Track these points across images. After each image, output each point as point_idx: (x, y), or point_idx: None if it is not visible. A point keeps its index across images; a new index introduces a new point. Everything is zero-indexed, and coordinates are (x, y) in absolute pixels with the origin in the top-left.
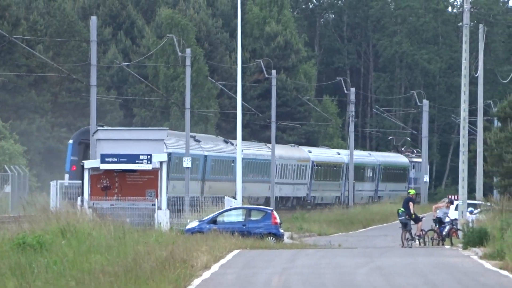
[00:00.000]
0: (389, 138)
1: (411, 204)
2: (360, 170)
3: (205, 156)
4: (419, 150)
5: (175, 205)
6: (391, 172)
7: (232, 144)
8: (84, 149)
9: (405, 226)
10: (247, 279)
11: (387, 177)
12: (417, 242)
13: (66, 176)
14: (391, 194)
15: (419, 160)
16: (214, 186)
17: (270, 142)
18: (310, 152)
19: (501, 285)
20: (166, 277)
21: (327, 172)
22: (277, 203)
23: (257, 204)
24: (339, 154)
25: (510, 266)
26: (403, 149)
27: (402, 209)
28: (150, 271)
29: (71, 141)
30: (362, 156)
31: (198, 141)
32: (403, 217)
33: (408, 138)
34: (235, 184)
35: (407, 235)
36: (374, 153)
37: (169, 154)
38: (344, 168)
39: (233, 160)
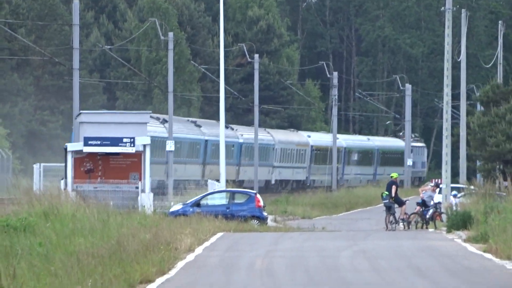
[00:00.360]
0: (387, 123)
1: (394, 187)
2: (359, 154)
3: (206, 141)
4: (417, 135)
5: (160, 188)
6: (389, 156)
7: (232, 129)
8: None
9: (389, 209)
10: (230, 261)
11: (386, 161)
12: (401, 225)
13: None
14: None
15: (418, 144)
16: (215, 169)
17: (260, 127)
18: (309, 136)
19: (485, 268)
20: (150, 259)
21: (326, 156)
22: (277, 186)
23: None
24: (369, 139)
25: (494, 249)
26: (401, 134)
27: (386, 192)
28: (134, 253)
29: (73, 132)
30: (361, 140)
31: (199, 126)
32: (387, 200)
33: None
34: (235, 167)
35: (391, 218)
36: (372, 137)
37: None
38: (342, 152)
39: (233, 145)
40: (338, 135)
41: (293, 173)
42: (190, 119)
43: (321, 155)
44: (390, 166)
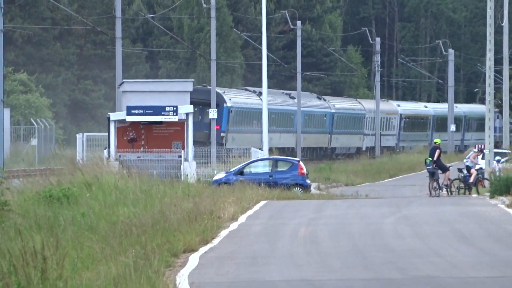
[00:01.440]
0: (475, 90)
1: (437, 152)
2: (444, 122)
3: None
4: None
5: (203, 157)
6: (476, 122)
7: (325, 100)
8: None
9: (432, 175)
10: (274, 229)
11: (472, 126)
12: (444, 191)
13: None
14: (477, 143)
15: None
16: (308, 138)
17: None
18: (398, 105)
19: None
20: (193, 228)
21: (415, 124)
22: (368, 152)
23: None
24: (426, 107)
25: None
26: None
27: (430, 158)
28: (177, 223)
29: None
30: (444, 108)
31: (293, 97)
32: (430, 167)
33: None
34: (327, 135)
35: (435, 184)
36: (459, 105)
37: (230, 107)
38: (430, 120)
39: (326, 114)
40: (427, 104)
41: (383, 140)
42: (285, 91)
43: (410, 123)
44: (478, 131)
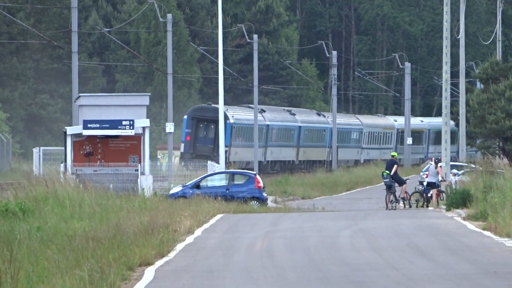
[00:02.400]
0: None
1: (395, 166)
2: (416, 135)
3: (299, 127)
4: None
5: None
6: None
7: (324, 116)
8: (196, 123)
9: (389, 188)
10: (230, 243)
11: (437, 140)
12: (401, 204)
13: (182, 145)
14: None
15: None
16: (308, 151)
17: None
18: (395, 121)
19: (484, 245)
20: (149, 242)
21: (414, 137)
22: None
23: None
24: (422, 121)
25: (493, 227)
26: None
27: (387, 172)
28: (134, 236)
29: (185, 117)
30: (439, 122)
31: (294, 114)
32: (387, 179)
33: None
34: (327, 149)
35: (391, 197)
36: (424, 118)
37: (232, 124)
38: (426, 134)
39: (325, 129)
40: (423, 118)
41: (380, 153)
42: (286, 108)
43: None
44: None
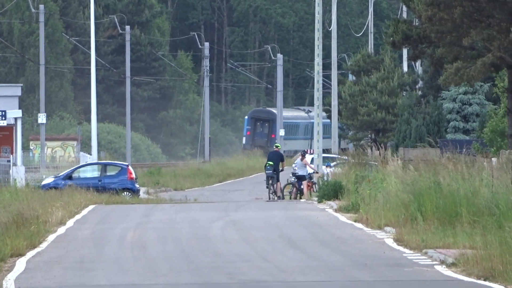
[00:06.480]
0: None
1: (283, 163)
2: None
3: (312, 123)
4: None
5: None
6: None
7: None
8: (254, 122)
9: (271, 179)
10: (101, 234)
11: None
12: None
13: (243, 138)
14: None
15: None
16: (289, 143)
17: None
18: (309, 111)
19: (355, 237)
20: (20, 233)
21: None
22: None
23: None
24: (310, 112)
25: (364, 219)
26: None
27: (271, 163)
28: (5, 227)
29: (246, 117)
30: (300, 114)
31: (310, 111)
32: (270, 171)
33: None
34: (308, 141)
35: (272, 188)
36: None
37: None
38: (310, 125)
39: (308, 124)
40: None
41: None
42: (306, 108)
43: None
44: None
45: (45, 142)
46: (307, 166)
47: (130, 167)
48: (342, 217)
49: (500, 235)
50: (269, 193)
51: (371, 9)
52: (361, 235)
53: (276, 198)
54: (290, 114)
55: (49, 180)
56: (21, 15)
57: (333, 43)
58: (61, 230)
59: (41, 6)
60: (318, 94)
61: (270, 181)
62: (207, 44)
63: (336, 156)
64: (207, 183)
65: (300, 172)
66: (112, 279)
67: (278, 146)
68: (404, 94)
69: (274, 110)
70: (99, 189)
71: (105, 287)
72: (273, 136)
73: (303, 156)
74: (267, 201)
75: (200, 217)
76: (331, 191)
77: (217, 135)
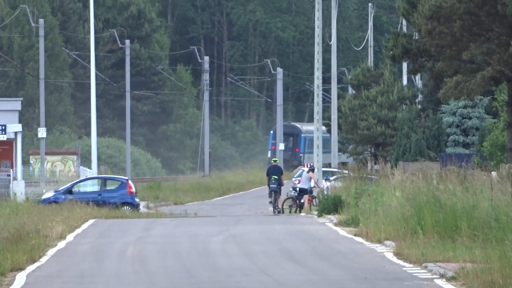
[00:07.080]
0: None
1: (282, 176)
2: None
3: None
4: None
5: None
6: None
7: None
8: None
9: (275, 194)
10: (102, 248)
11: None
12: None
13: (269, 152)
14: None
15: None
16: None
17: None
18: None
19: (355, 251)
20: (20, 247)
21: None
22: None
23: None
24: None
25: (364, 233)
26: None
27: (276, 177)
28: (5, 241)
29: (272, 131)
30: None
31: (329, 124)
32: (275, 185)
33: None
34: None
35: (276, 202)
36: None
37: (305, 136)
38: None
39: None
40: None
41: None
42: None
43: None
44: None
45: (45, 156)
46: (312, 180)
47: (130, 182)
48: (342, 231)
49: (500, 248)
50: (274, 207)
51: (370, 23)
52: (361, 249)
53: (276, 211)
54: (312, 128)
55: (49, 194)
56: (21, 29)
57: (333, 57)
58: (61, 244)
59: (41, 20)
60: (318, 108)
61: (274, 196)
62: (207, 58)
63: (336, 170)
64: (207, 197)
65: (304, 186)
66: None
67: (276, 160)
68: (404, 108)
69: (298, 125)
70: (99, 204)
71: None
72: (297, 150)
73: (312, 170)
74: (273, 214)
75: (200, 231)
76: (331, 205)
77: (217, 149)
